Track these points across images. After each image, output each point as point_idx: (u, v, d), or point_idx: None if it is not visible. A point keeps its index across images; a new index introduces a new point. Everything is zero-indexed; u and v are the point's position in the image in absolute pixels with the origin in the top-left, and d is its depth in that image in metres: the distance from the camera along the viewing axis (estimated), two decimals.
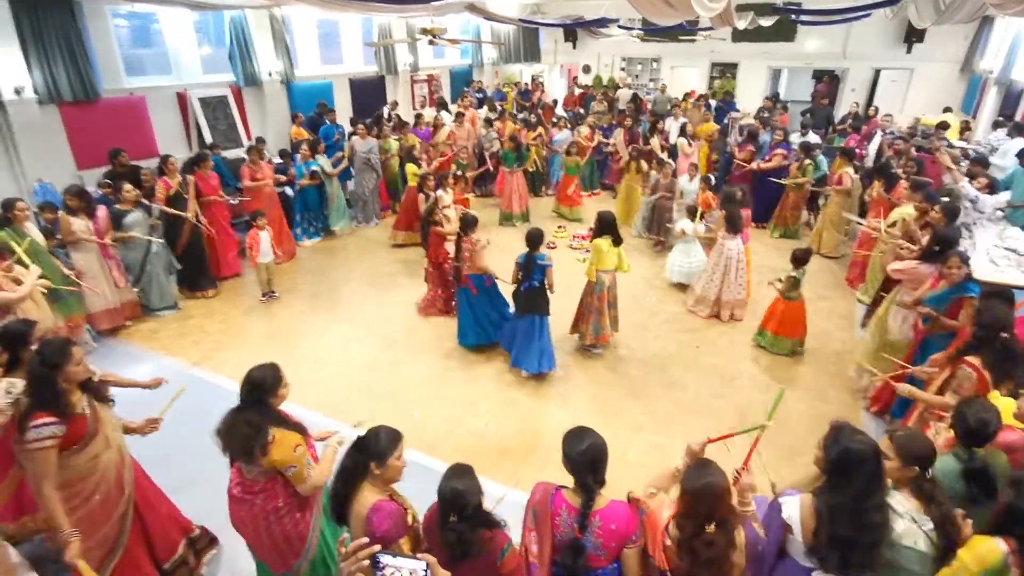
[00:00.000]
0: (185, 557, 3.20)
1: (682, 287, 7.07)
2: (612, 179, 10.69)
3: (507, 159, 9.37)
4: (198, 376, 5.29)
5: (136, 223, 6.02)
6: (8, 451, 2.62)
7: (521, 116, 12.26)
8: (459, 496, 2.03)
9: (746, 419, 4.53)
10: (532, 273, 4.92)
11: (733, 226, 6.15)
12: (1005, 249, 5.53)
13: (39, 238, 5.20)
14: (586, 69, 18.16)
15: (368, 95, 12.51)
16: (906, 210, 5.79)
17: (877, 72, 14.40)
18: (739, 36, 14.66)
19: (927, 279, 4.39)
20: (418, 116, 11.03)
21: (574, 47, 17.92)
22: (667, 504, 2.16)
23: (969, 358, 3.19)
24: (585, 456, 2.13)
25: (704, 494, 1.98)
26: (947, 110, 11.48)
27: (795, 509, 2.11)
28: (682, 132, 10.12)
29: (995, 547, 1.97)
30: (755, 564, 2.13)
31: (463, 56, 15.75)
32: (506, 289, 5.46)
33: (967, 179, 6.26)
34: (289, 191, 8.45)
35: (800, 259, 5.47)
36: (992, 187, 6.22)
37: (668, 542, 2.04)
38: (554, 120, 11.48)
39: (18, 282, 4.34)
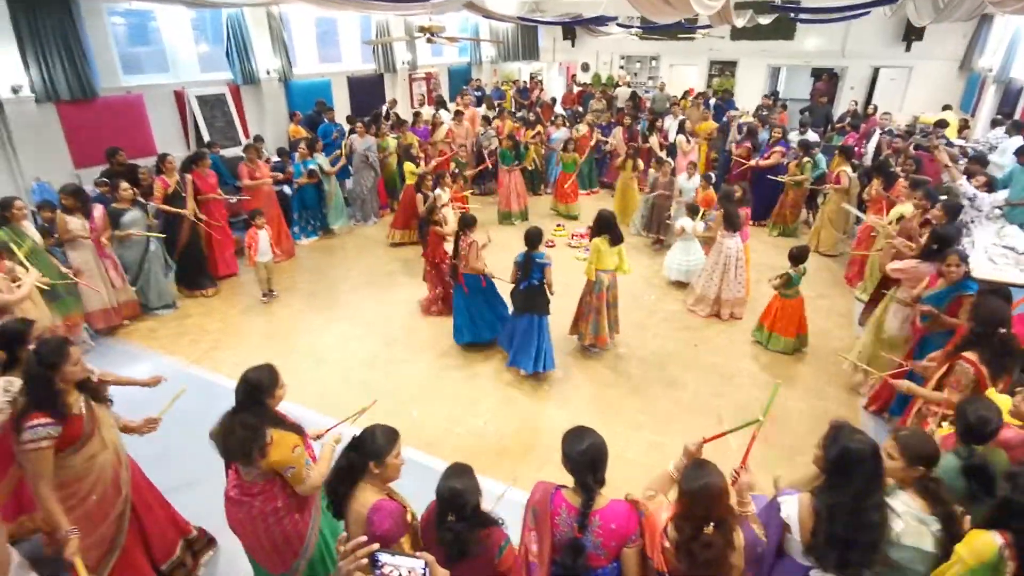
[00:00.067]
0: (183, 559, 3.19)
1: (681, 285, 7.08)
2: (611, 177, 10.69)
3: (504, 157, 9.36)
4: (196, 375, 5.28)
5: (134, 222, 6.01)
6: (7, 450, 2.62)
7: (520, 114, 12.24)
8: (458, 496, 2.03)
9: (745, 417, 4.53)
10: (531, 272, 4.90)
11: (731, 224, 6.15)
12: (1003, 247, 5.54)
13: (37, 237, 5.19)
14: (585, 67, 18.15)
15: (366, 93, 12.51)
16: (905, 208, 5.80)
17: (876, 70, 14.41)
18: (738, 34, 14.67)
19: (926, 277, 4.40)
20: (416, 114, 11.03)
21: (573, 45, 17.91)
22: (665, 506, 2.16)
23: (967, 354, 3.20)
24: (585, 456, 2.12)
25: (702, 495, 1.97)
26: (946, 108, 11.48)
27: (794, 508, 2.11)
28: (680, 130, 10.11)
29: (991, 541, 1.98)
30: (754, 566, 2.12)
31: (461, 54, 15.73)
32: (504, 288, 5.45)
33: (965, 177, 6.27)
34: (287, 190, 8.44)
35: (797, 257, 5.48)
36: (990, 185, 6.23)
37: (666, 544, 2.03)
38: (552, 119, 11.47)
39: (16, 280, 4.34)
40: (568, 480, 2.20)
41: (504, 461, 4.28)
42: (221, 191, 7.19)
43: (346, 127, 9.94)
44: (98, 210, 5.74)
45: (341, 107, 11.60)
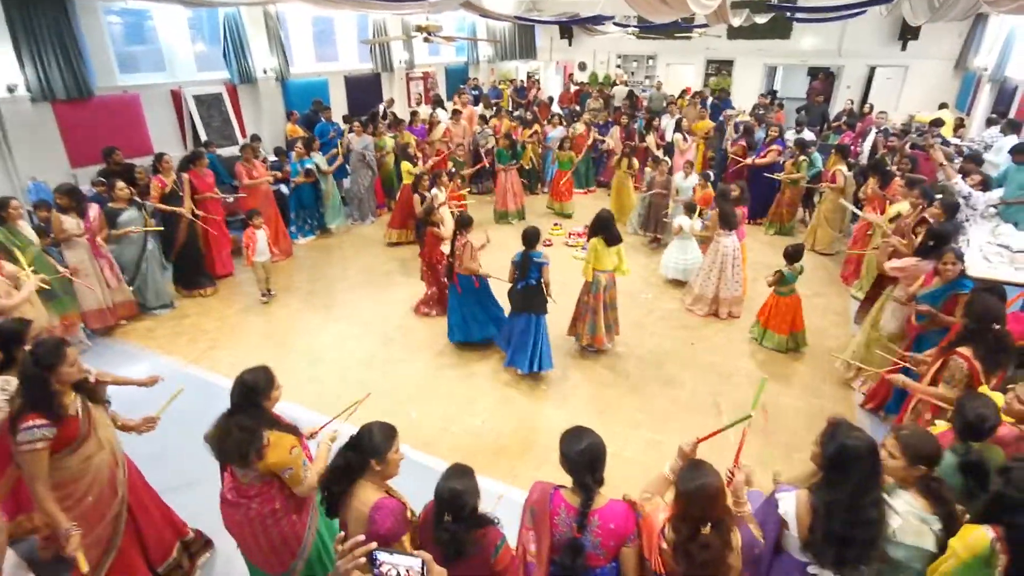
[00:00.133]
0: (179, 560, 3.19)
1: (678, 284, 7.09)
2: (607, 176, 10.70)
3: (501, 157, 9.36)
4: (194, 375, 5.28)
5: (131, 221, 5.99)
6: (5, 449, 2.62)
7: (517, 113, 12.25)
8: (457, 497, 2.02)
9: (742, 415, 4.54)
10: (528, 272, 4.90)
11: (727, 223, 6.17)
12: (998, 246, 5.56)
13: (33, 237, 5.18)
14: (582, 66, 18.15)
15: (363, 92, 12.49)
16: (902, 206, 5.82)
17: (872, 69, 14.44)
18: (734, 33, 14.69)
19: (923, 275, 4.42)
20: (413, 113, 11.02)
21: (570, 44, 17.92)
22: (662, 507, 2.16)
23: (961, 349, 3.23)
24: (583, 456, 2.12)
25: (698, 495, 1.97)
26: (943, 106, 11.53)
27: (791, 505, 2.12)
28: (677, 128, 10.13)
29: (983, 534, 2.01)
30: (752, 567, 2.13)
31: (459, 53, 15.72)
32: (501, 288, 5.43)
33: (960, 176, 6.30)
34: (284, 189, 8.44)
35: (792, 256, 5.49)
36: (985, 184, 6.26)
37: (664, 545, 2.03)
38: (548, 118, 11.48)
39: (15, 280, 4.32)
40: (566, 479, 2.21)
41: (501, 460, 4.29)
42: (218, 190, 7.19)
43: (343, 126, 9.94)
44: (93, 209, 5.73)
45: (338, 106, 11.59)
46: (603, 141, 10.83)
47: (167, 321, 6.30)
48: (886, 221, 5.82)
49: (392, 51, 12.88)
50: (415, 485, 2.48)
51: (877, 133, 9.54)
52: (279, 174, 8.15)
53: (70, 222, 5.46)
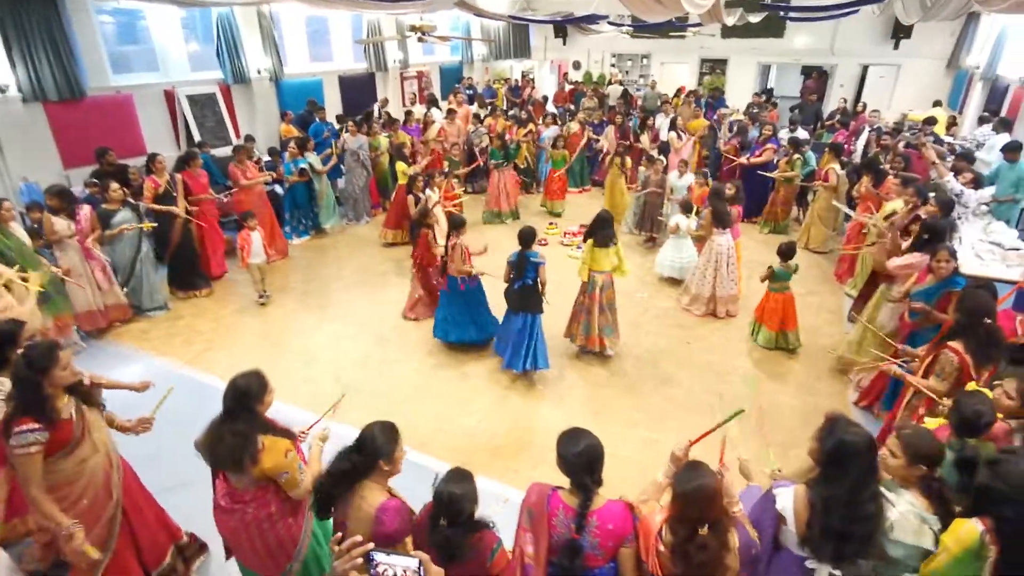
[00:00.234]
0: (174, 564, 3.18)
1: (673, 282, 7.11)
2: (602, 176, 10.73)
3: (494, 156, 9.37)
4: (189, 376, 5.26)
5: (125, 222, 5.95)
6: (0, 452, 2.60)
7: (512, 113, 12.25)
8: (455, 501, 2.02)
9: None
10: (525, 271, 4.89)
11: (721, 222, 6.19)
12: (990, 243, 5.61)
13: (25, 238, 5.15)
14: (576, 65, 18.17)
15: (358, 92, 12.47)
16: (896, 205, 5.85)
17: (865, 68, 14.51)
18: (728, 32, 14.73)
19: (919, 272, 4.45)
20: (408, 113, 11.00)
21: (564, 43, 17.93)
22: (659, 510, 2.15)
23: (952, 343, 3.26)
24: (581, 457, 2.12)
25: (696, 496, 1.96)
26: (936, 104, 11.59)
27: (789, 500, 2.12)
28: (672, 127, 10.15)
29: (972, 528, 2.02)
30: (749, 567, 2.13)
31: (453, 53, 15.71)
32: (497, 293, 5.42)
33: (952, 174, 6.34)
34: (279, 189, 8.41)
35: (785, 253, 5.52)
36: (977, 182, 6.30)
37: (661, 547, 2.02)
38: (542, 117, 11.49)
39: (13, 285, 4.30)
40: (562, 480, 2.21)
41: (497, 460, 4.30)
42: (212, 191, 7.16)
43: (337, 126, 9.92)
44: (84, 211, 5.68)
45: (332, 106, 11.56)
46: (597, 140, 10.85)
47: (161, 322, 6.27)
48: (880, 219, 5.85)
49: (386, 51, 12.86)
50: (411, 484, 2.48)
51: (870, 132, 9.59)
52: (273, 175, 8.12)
53: (61, 224, 5.42)
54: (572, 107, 13.77)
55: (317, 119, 9.92)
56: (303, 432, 2.87)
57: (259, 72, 10.03)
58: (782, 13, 12.98)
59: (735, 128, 10.28)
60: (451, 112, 10.77)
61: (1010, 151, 6.50)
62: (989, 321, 3.26)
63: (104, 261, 5.85)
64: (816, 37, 14.50)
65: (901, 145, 8.18)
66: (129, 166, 7.17)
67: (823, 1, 10.88)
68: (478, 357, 5.65)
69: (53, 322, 5.25)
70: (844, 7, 10.22)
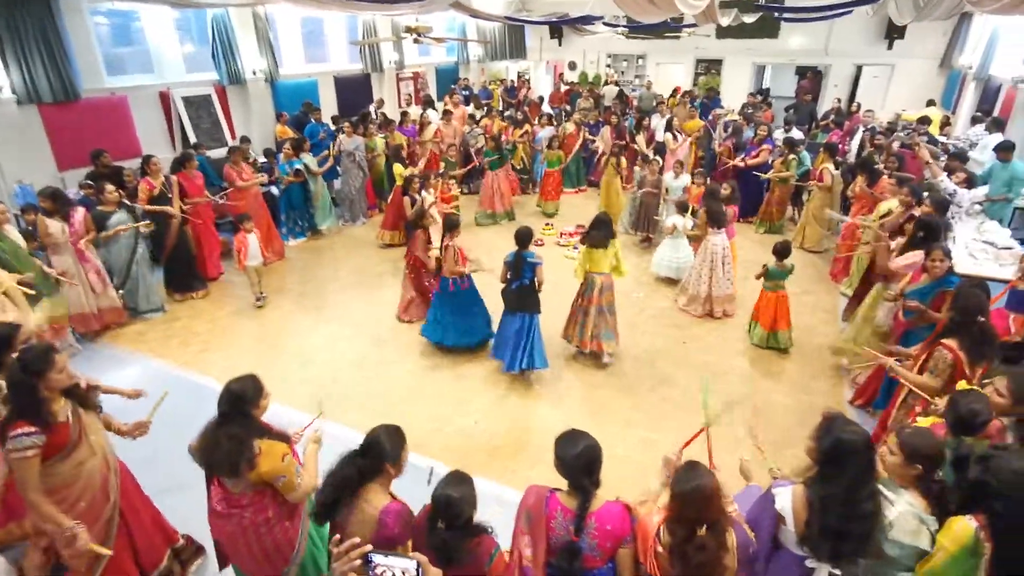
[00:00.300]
0: (170, 567, 3.17)
1: (670, 282, 7.13)
2: (598, 176, 10.74)
3: (487, 156, 9.38)
4: (185, 378, 5.25)
5: (121, 224, 5.93)
6: None
7: (508, 113, 12.26)
8: (453, 504, 2.02)
9: (734, 414, 4.59)
10: (522, 271, 4.89)
11: (715, 222, 6.21)
12: (983, 242, 5.65)
13: (20, 241, 5.13)
14: (572, 66, 18.19)
15: (354, 93, 12.46)
16: (891, 204, 5.88)
17: (859, 68, 14.57)
18: (723, 33, 14.77)
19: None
20: (404, 114, 11.00)
21: (560, 44, 17.94)
22: (657, 511, 2.16)
23: (946, 340, 3.29)
24: (579, 460, 2.12)
25: (694, 496, 1.96)
26: (930, 103, 11.64)
27: (787, 500, 2.13)
28: (668, 128, 10.17)
29: (967, 525, 2.04)
30: (747, 567, 2.14)
31: (449, 53, 15.71)
32: (492, 291, 5.42)
33: (946, 174, 6.38)
34: (274, 190, 8.40)
35: (780, 252, 5.54)
36: (970, 182, 6.34)
37: (659, 548, 2.03)
38: (538, 117, 11.50)
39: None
40: (560, 480, 2.21)
41: (495, 461, 4.30)
42: (208, 193, 7.15)
43: (332, 127, 9.91)
44: (78, 213, 5.66)
45: (328, 107, 11.55)
46: (593, 141, 10.87)
47: (158, 324, 6.26)
48: (876, 219, 5.88)
49: (382, 51, 12.85)
50: (407, 485, 2.48)
51: (864, 131, 9.64)
52: (266, 177, 8.10)
53: (55, 226, 5.41)
54: (568, 108, 13.78)
55: (313, 120, 9.91)
56: (297, 434, 2.87)
57: (254, 73, 10.02)
58: (776, 14, 13.04)
59: (730, 129, 10.30)
60: (447, 113, 10.78)
61: (1003, 151, 6.55)
62: (983, 319, 3.29)
63: (98, 264, 5.82)
64: (810, 37, 14.56)
65: (896, 145, 8.22)
66: (124, 168, 7.15)
67: (817, 1, 10.94)
68: (475, 358, 5.65)
69: (48, 325, 5.22)
70: (838, 8, 10.26)
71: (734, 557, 2.01)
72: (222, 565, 2.76)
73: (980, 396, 2.59)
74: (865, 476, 2.05)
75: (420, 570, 1.68)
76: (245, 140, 8.83)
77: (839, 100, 12.89)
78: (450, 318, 5.56)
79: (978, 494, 2.06)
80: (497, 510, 2.48)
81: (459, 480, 2.12)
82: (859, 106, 11.64)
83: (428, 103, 12.14)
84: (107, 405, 3.02)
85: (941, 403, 3.05)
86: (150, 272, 6.41)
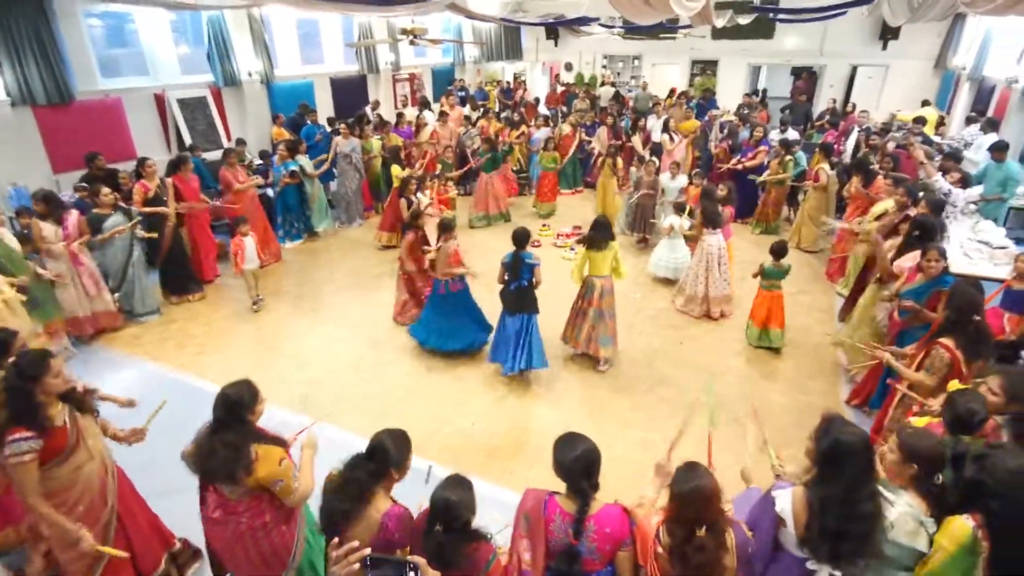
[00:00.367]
0: (168, 571, 3.16)
1: (667, 282, 7.14)
2: (595, 177, 10.76)
3: (480, 156, 9.38)
4: (182, 381, 5.23)
5: (117, 227, 5.92)
6: None
7: (504, 115, 12.27)
8: (450, 508, 2.01)
9: (731, 414, 4.60)
10: (520, 273, 4.88)
11: (711, 222, 6.23)
12: (978, 242, 5.68)
13: (14, 244, 5.11)
14: (568, 67, 18.22)
15: (349, 94, 12.45)
16: (886, 205, 5.91)
17: (854, 69, 14.64)
18: (719, 34, 14.82)
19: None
20: (399, 115, 11.00)
21: (556, 45, 17.97)
22: (655, 512, 2.16)
23: (943, 339, 3.30)
24: (578, 463, 2.12)
25: (693, 497, 1.96)
26: (925, 103, 11.69)
27: (787, 502, 2.13)
28: (665, 129, 10.19)
29: (964, 524, 2.04)
30: (745, 566, 2.14)
31: (445, 55, 15.71)
32: (489, 293, 5.42)
33: (940, 174, 6.41)
34: (270, 193, 8.38)
35: (777, 252, 5.56)
36: (965, 181, 6.38)
37: (659, 550, 2.02)
38: (534, 118, 11.51)
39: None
40: (558, 481, 2.21)
41: (494, 461, 4.30)
42: (203, 195, 7.12)
43: (328, 129, 9.89)
44: (72, 216, 5.64)
45: (324, 108, 11.54)
46: (589, 142, 10.88)
47: (154, 327, 6.24)
48: (871, 219, 5.90)
49: (378, 53, 12.85)
50: (404, 485, 2.48)
51: (859, 132, 9.68)
52: (262, 179, 8.08)
53: (49, 229, 5.39)
54: (564, 109, 13.80)
55: (309, 122, 9.90)
56: (292, 438, 2.86)
57: (250, 75, 10.00)
58: (771, 15, 13.09)
59: (726, 130, 10.33)
60: (443, 115, 10.77)
61: (997, 150, 6.59)
62: (978, 318, 3.31)
63: (92, 267, 5.79)
64: (805, 38, 14.62)
65: (891, 145, 8.26)
66: (119, 170, 7.13)
67: (812, 3, 10.98)
68: (473, 359, 5.65)
69: (44, 329, 5.21)
70: (832, 9, 10.31)
71: (734, 557, 2.01)
72: (217, 574, 2.74)
73: (978, 395, 2.61)
74: (864, 477, 2.05)
75: (419, 573, 1.68)
76: (241, 142, 8.81)
77: (834, 101, 12.95)
78: (435, 319, 5.56)
79: (974, 493, 2.07)
80: (497, 516, 2.47)
81: (457, 484, 2.12)
82: (854, 106, 11.69)
83: (424, 105, 12.15)
84: (104, 410, 3.01)
85: (934, 403, 3.08)
86: (146, 275, 6.38)
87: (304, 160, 8.34)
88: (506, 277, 4.96)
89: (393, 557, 1.73)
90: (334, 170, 9.08)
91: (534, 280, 4.93)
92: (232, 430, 2.37)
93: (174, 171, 6.71)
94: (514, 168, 10.59)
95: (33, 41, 6.93)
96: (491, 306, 5.57)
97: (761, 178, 8.62)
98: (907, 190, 5.59)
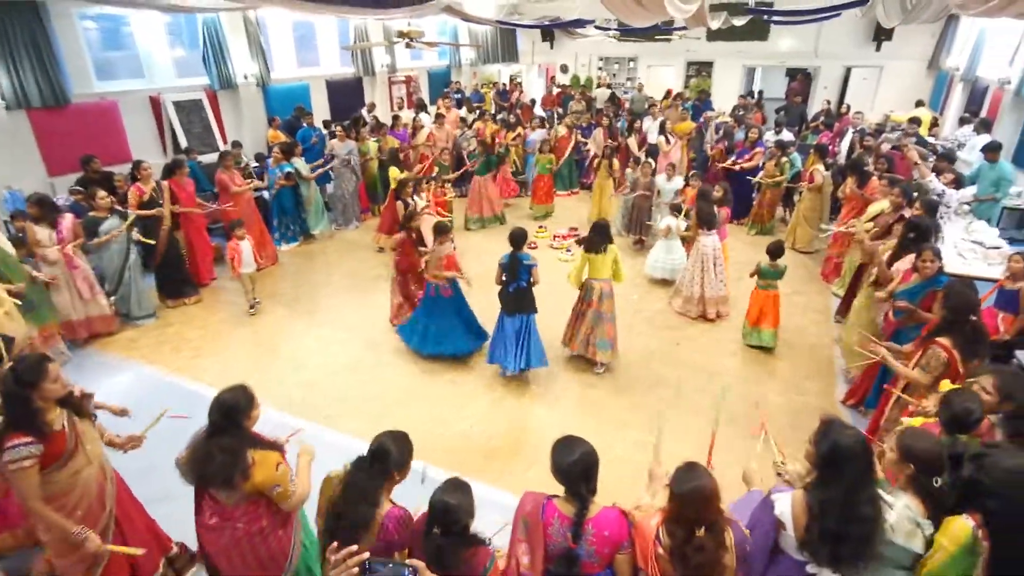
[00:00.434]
0: (166, 575, 3.16)
1: (664, 283, 7.16)
2: (591, 179, 10.77)
3: (473, 158, 9.39)
4: (178, 384, 5.22)
5: (113, 230, 5.90)
6: None
7: (500, 116, 12.28)
8: (449, 511, 2.01)
9: (728, 414, 4.61)
10: (518, 274, 4.88)
11: (705, 223, 6.25)
12: (972, 242, 5.71)
13: (8, 248, 5.09)
14: (564, 69, 18.24)
15: (346, 97, 12.45)
16: (881, 206, 5.93)
17: (848, 70, 14.70)
18: (713, 35, 14.86)
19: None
20: (395, 117, 11.00)
21: (551, 47, 17.99)
22: (653, 514, 2.15)
23: (940, 339, 3.33)
24: (576, 466, 2.11)
25: (693, 497, 1.97)
26: (919, 104, 11.75)
27: (787, 505, 2.14)
28: (661, 130, 10.22)
29: (964, 524, 2.05)
30: (744, 565, 2.15)
31: (441, 57, 15.73)
32: (486, 296, 5.41)
33: (934, 174, 6.44)
34: (266, 195, 8.37)
35: (774, 253, 5.59)
36: (958, 182, 6.41)
37: (660, 551, 2.03)
38: (529, 120, 11.52)
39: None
40: (557, 487, 2.21)
41: (493, 463, 4.30)
42: (199, 198, 7.11)
43: (324, 131, 9.88)
44: (66, 220, 5.61)
45: (320, 111, 11.54)
46: (585, 143, 10.89)
47: (150, 331, 6.22)
48: (866, 220, 5.93)
49: (374, 55, 12.85)
50: (401, 488, 2.48)
51: (854, 133, 9.72)
52: (262, 182, 8.07)
53: (42, 233, 5.37)
54: (560, 110, 13.81)
55: (305, 124, 9.89)
56: (286, 439, 2.85)
57: (246, 77, 9.99)
58: (766, 16, 13.14)
59: (721, 131, 10.36)
60: (439, 117, 10.78)
61: (990, 151, 6.62)
62: (975, 318, 3.34)
63: (87, 271, 5.75)
64: (800, 40, 14.67)
65: (886, 147, 8.30)
66: (114, 173, 7.11)
67: (806, 4, 11.03)
68: (471, 360, 5.65)
69: (38, 332, 5.19)
70: (826, 10, 10.36)
71: (733, 556, 2.01)
72: None
73: (973, 394, 2.63)
74: (864, 479, 2.06)
75: None
76: (237, 145, 8.80)
77: (828, 102, 13.00)
78: (423, 321, 5.56)
79: (971, 492, 2.08)
80: (495, 517, 2.47)
81: (456, 487, 2.12)
82: (848, 108, 11.74)
83: (420, 107, 12.15)
84: (101, 416, 3.01)
85: (928, 403, 3.10)
86: (142, 278, 6.37)
87: (300, 163, 8.33)
88: (504, 278, 4.96)
89: (392, 560, 1.72)
90: (330, 173, 9.07)
91: (532, 281, 4.94)
92: (228, 435, 2.36)
93: (169, 175, 6.70)
94: (512, 170, 10.59)
95: (28, 44, 6.92)
96: (488, 307, 5.57)
97: (758, 178, 8.64)
98: (902, 190, 5.62)
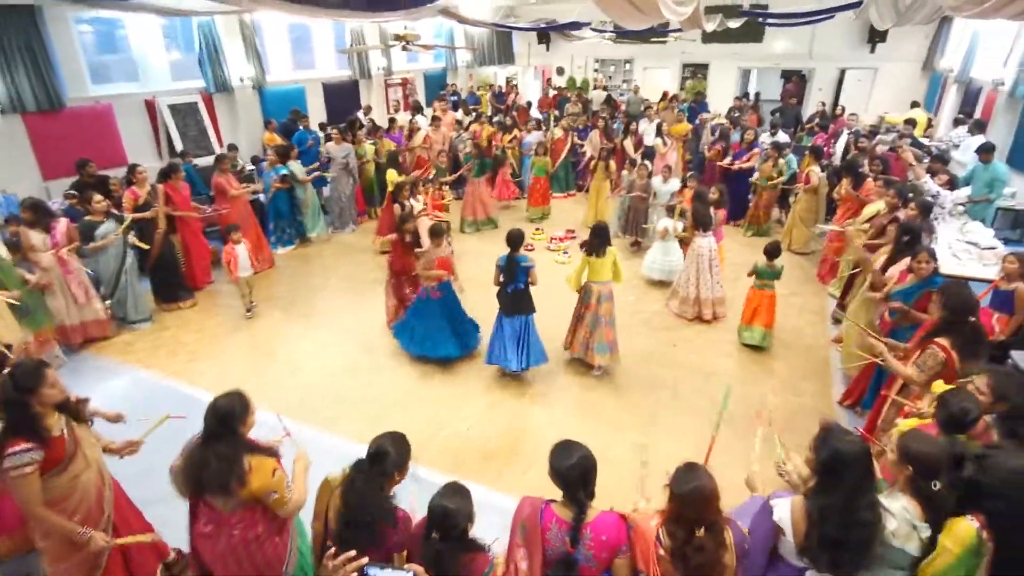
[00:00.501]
0: None
1: (661, 285, 7.17)
2: (587, 181, 10.78)
3: (467, 160, 9.38)
4: (174, 388, 5.21)
5: (109, 234, 5.88)
6: None
7: (496, 119, 12.29)
8: (448, 516, 2.01)
9: (726, 415, 4.61)
10: (516, 275, 4.88)
11: (701, 224, 6.26)
12: (966, 243, 5.73)
13: (3, 252, 5.07)
14: (560, 71, 18.27)
15: (342, 99, 12.44)
16: (877, 207, 5.96)
17: (842, 71, 14.76)
18: (709, 38, 14.89)
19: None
20: (392, 120, 10.99)
21: (547, 49, 18.02)
22: (652, 515, 2.16)
23: (939, 339, 3.33)
24: (574, 471, 2.11)
25: (693, 497, 1.97)
26: (915, 105, 11.80)
27: (786, 511, 2.14)
28: (658, 132, 10.24)
29: (969, 525, 2.04)
30: (743, 563, 2.15)
31: (437, 59, 15.74)
32: (474, 296, 5.41)
33: (928, 175, 6.47)
34: (262, 198, 8.35)
35: (771, 253, 5.60)
36: (952, 183, 6.44)
37: (661, 552, 2.03)
38: (525, 123, 11.53)
39: None
40: (554, 490, 2.21)
41: (491, 464, 4.30)
42: (195, 201, 7.09)
43: (320, 134, 9.87)
44: (60, 224, 5.59)
45: (316, 114, 11.52)
46: (582, 145, 10.91)
47: (146, 335, 6.20)
48: (861, 222, 5.95)
49: (370, 58, 12.85)
50: (403, 491, 2.48)
51: (849, 134, 9.76)
52: (259, 185, 8.05)
53: (37, 237, 5.35)
54: (556, 112, 13.82)
55: (301, 127, 9.88)
56: (279, 440, 2.83)
57: (241, 80, 9.97)
58: (761, 19, 13.18)
59: (717, 132, 10.39)
60: (436, 119, 10.78)
61: (984, 152, 6.66)
62: (974, 319, 3.34)
63: (82, 275, 5.72)
64: (795, 42, 14.72)
65: (880, 148, 8.33)
66: (110, 177, 7.08)
67: (801, 6, 11.07)
68: (469, 361, 5.65)
69: (34, 337, 5.17)
70: (820, 13, 10.40)
71: (733, 555, 2.02)
72: None
73: (970, 395, 2.63)
74: (863, 485, 2.06)
75: None
76: (232, 148, 8.78)
77: (823, 103, 13.04)
78: (411, 322, 5.57)
79: (972, 493, 2.08)
80: (494, 519, 2.47)
81: (455, 492, 2.12)
82: (843, 109, 11.78)
83: (417, 109, 12.15)
84: (98, 422, 2.99)
85: (922, 404, 3.11)
86: (139, 282, 6.35)
87: (295, 166, 8.31)
88: (501, 279, 4.97)
89: (391, 565, 1.72)
90: (326, 176, 9.05)
91: (530, 282, 4.95)
92: (224, 441, 2.35)
93: (165, 179, 6.68)
94: (511, 173, 10.59)
95: (23, 47, 6.90)
96: (485, 308, 5.57)
97: (756, 177, 8.67)
98: (897, 192, 5.64)
